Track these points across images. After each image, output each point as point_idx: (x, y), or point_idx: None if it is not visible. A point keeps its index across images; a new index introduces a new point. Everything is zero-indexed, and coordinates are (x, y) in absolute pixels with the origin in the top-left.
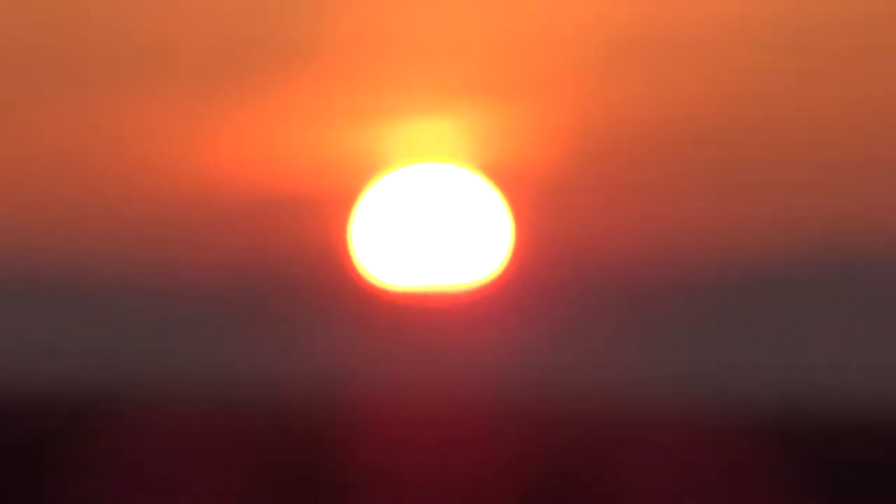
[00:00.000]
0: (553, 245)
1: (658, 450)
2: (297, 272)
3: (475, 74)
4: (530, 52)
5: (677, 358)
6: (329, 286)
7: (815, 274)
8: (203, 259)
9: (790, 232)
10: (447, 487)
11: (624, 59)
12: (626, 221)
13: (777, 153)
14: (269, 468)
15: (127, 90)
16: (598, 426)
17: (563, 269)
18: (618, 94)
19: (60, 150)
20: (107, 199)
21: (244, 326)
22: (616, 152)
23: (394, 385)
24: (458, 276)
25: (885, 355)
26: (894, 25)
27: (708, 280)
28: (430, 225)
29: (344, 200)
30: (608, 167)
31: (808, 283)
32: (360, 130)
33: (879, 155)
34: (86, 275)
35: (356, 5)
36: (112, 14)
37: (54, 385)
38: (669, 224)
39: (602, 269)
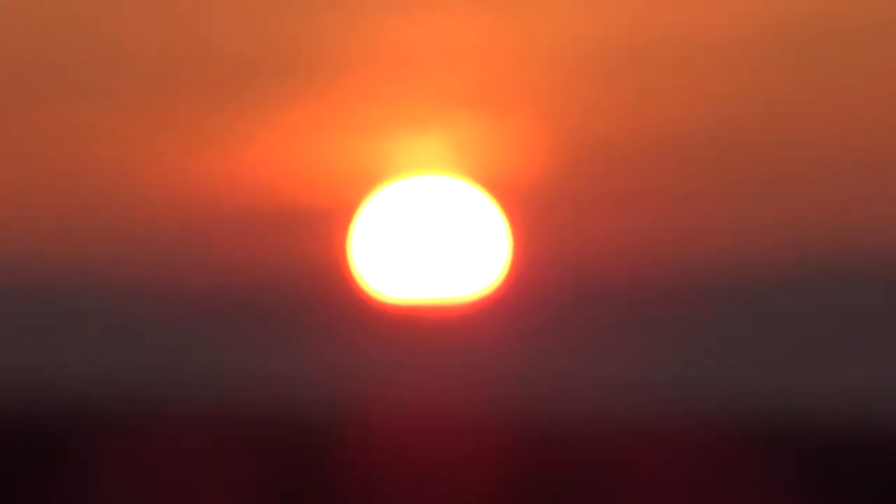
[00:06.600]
0: (551, 256)
1: (658, 460)
2: (296, 284)
3: (472, 87)
4: (526, 64)
5: (675, 367)
6: (328, 298)
7: (811, 280)
8: (203, 270)
9: (784, 239)
10: (447, 499)
11: (617, 69)
12: (623, 231)
13: (769, 161)
14: (270, 480)
15: (128, 102)
16: (596, 438)
17: (561, 280)
18: (612, 104)
19: (69, 160)
20: (111, 208)
21: (244, 338)
22: (612, 162)
23: (393, 397)
24: (457, 288)
25: (884, 362)
26: (891, 33)
27: (705, 288)
28: (429, 237)
29: (343, 213)
30: (605, 177)
31: (806, 289)
32: (358, 144)
33: (878, 161)
34: (87, 284)
35: (354, 21)
36: (120, 26)
37: (54, 394)
38: (666, 233)
39: (600, 279)
